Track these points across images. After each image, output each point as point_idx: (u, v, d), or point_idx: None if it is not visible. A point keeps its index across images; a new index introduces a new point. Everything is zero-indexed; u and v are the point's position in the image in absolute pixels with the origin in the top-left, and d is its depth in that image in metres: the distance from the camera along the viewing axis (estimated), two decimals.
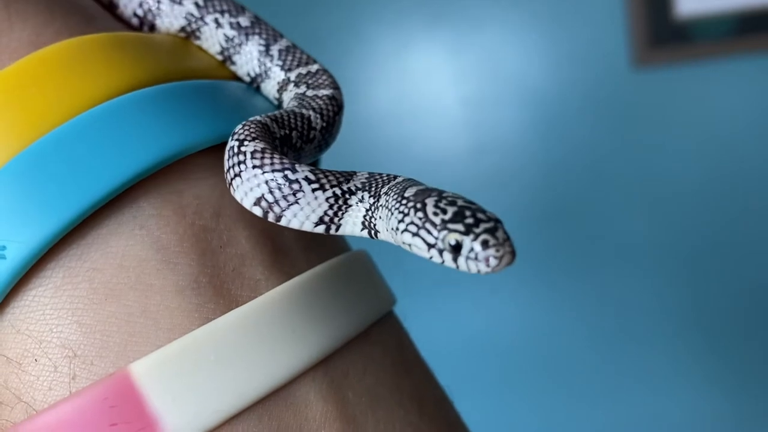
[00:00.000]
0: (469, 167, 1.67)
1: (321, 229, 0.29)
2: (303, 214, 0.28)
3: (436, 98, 1.68)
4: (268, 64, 0.34)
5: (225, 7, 0.34)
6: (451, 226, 0.27)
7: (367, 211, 0.29)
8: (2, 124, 0.27)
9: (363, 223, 0.29)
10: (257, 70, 0.34)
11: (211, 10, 0.34)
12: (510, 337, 1.67)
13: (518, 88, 1.64)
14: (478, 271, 0.27)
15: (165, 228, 0.27)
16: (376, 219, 0.29)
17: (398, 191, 0.29)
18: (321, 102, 0.33)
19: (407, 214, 0.28)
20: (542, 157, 1.65)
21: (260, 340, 0.27)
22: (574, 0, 1.61)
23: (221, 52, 0.34)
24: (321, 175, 0.28)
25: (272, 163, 0.28)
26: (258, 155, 0.28)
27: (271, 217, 0.28)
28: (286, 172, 0.28)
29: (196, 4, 0.34)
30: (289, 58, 0.34)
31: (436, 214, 0.28)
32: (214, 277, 0.27)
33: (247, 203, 0.28)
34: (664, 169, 1.61)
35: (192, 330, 0.26)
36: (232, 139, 0.28)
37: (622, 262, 1.64)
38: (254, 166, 0.28)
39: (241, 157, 0.28)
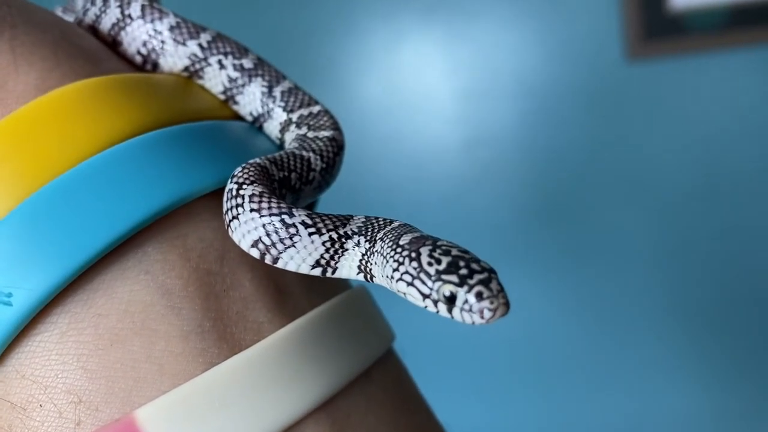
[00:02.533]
0: (462, 160, 1.67)
1: (317, 272, 0.29)
2: (299, 257, 0.29)
3: (429, 91, 1.67)
4: (271, 105, 0.35)
5: (229, 49, 0.35)
6: (445, 277, 0.27)
7: (363, 255, 0.30)
8: (9, 170, 0.27)
9: (359, 267, 0.30)
10: (260, 111, 0.35)
11: (215, 51, 0.34)
12: (501, 332, 1.67)
13: (512, 81, 1.64)
14: (473, 323, 0.27)
15: (170, 272, 0.27)
16: (372, 264, 0.29)
17: (393, 238, 0.29)
18: (321, 143, 0.33)
19: (402, 263, 0.28)
20: (535, 150, 1.65)
21: (264, 383, 0.27)
22: None
23: (224, 92, 0.34)
24: (318, 219, 0.29)
25: (269, 207, 0.28)
26: (256, 199, 0.28)
27: (268, 260, 0.29)
28: (283, 216, 0.28)
29: (200, 46, 0.34)
30: (291, 99, 0.35)
31: (430, 264, 0.28)
32: (218, 321, 0.27)
33: (245, 245, 0.28)
34: (657, 161, 1.62)
35: (197, 375, 0.26)
36: (231, 182, 0.29)
37: (615, 256, 1.65)
38: (252, 210, 0.28)
39: (239, 200, 0.28)
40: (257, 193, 0.28)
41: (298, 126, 0.34)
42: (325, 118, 0.35)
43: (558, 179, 1.65)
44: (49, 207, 0.26)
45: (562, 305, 1.67)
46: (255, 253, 0.28)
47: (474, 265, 0.28)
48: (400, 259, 0.28)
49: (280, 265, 0.29)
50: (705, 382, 1.65)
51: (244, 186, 0.29)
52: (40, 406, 0.26)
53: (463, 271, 0.27)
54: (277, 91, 0.35)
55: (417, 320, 1.59)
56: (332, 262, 0.29)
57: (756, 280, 1.62)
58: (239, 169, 0.29)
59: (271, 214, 0.28)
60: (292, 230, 0.28)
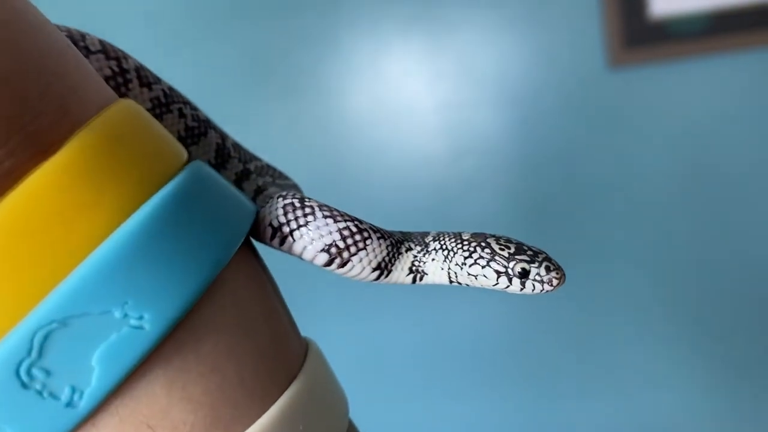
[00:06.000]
0: (447, 171, 1.66)
1: (374, 275, 0.32)
2: (367, 260, 0.32)
3: (412, 102, 1.67)
4: (226, 156, 0.36)
5: (185, 99, 0.35)
6: (518, 257, 0.33)
7: (415, 257, 0.33)
8: (125, 179, 0.25)
9: (410, 268, 0.33)
10: (213, 161, 0.35)
11: (176, 99, 0.34)
12: (487, 339, 1.67)
13: (495, 91, 1.64)
14: (542, 290, 0.33)
15: (244, 298, 0.27)
16: (426, 262, 0.34)
17: (452, 237, 0.34)
18: (296, 191, 0.35)
19: (474, 251, 0.33)
20: (520, 159, 1.65)
21: (326, 404, 0.28)
22: (548, 2, 1.60)
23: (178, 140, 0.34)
24: (377, 227, 0.33)
25: (342, 214, 0.32)
26: (326, 208, 0.31)
27: (336, 264, 0.31)
28: (356, 222, 0.32)
29: (164, 91, 0.33)
30: (242, 152, 0.36)
31: (502, 249, 0.34)
32: (279, 344, 0.28)
33: (311, 251, 0.31)
34: (642, 168, 1.62)
35: (278, 399, 0.26)
36: (286, 199, 0.31)
37: (602, 262, 1.65)
38: (325, 216, 0.31)
39: (308, 210, 0.31)
40: (323, 204, 0.31)
41: (260, 175, 0.36)
42: (277, 171, 0.37)
43: (543, 187, 1.65)
44: (173, 224, 0.25)
45: (547, 312, 1.67)
46: (323, 258, 0.31)
47: (534, 249, 0.34)
48: (471, 249, 0.33)
49: (345, 269, 0.31)
50: (685, 387, 1.65)
51: (307, 199, 0.31)
52: None
53: (530, 253, 0.34)
54: (229, 144, 0.36)
55: (398, 330, 1.59)
56: (389, 265, 0.33)
57: (747, 280, 1.62)
58: (284, 192, 0.32)
59: (345, 220, 0.31)
60: (366, 234, 0.32)
